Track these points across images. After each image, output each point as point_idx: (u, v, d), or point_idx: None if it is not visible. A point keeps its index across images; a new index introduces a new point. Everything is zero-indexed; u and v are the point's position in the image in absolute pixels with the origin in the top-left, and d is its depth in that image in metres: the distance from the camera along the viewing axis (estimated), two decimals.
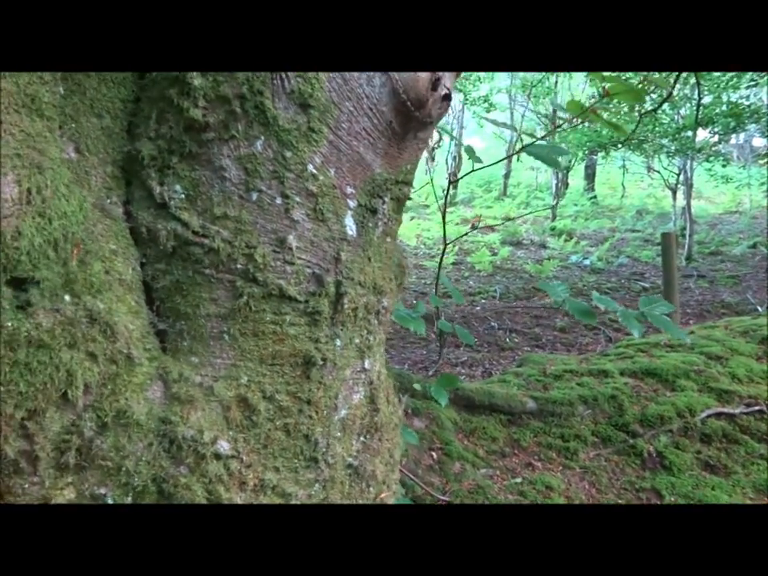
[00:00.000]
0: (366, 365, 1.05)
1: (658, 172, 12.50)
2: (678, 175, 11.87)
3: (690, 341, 1.77)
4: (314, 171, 0.90)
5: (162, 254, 0.89)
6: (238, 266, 0.87)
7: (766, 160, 17.61)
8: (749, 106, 9.49)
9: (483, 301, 8.95)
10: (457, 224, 12.74)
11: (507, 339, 7.28)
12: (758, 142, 19.15)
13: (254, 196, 0.88)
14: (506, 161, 16.70)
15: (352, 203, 0.95)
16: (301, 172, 0.89)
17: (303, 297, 0.90)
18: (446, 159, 16.26)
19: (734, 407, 3.26)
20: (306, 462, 0.93)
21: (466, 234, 2.52)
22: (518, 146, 14.14)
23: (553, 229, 13.48)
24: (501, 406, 3.21)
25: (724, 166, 11.52)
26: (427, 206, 15.12)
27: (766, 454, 3.04)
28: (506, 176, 17.09)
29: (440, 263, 1.96)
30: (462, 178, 2.01)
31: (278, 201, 0.88)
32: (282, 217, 0.89)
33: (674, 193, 12.24)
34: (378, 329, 1.07)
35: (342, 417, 1.00)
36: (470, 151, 1.30)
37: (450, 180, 1.65)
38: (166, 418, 0.82)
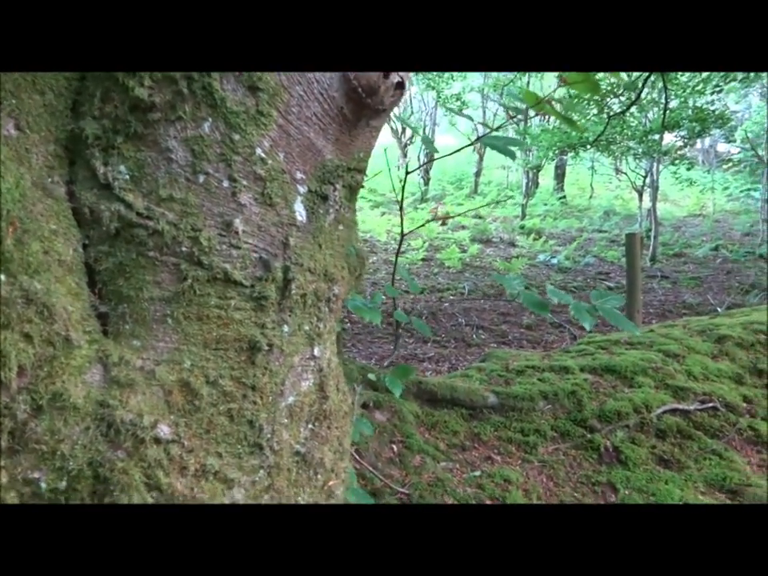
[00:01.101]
0: (316, 352, 1.05)
1: (626, 174, 12.73)
2: (645, 177, 12.10)
3: (640, 332, 1.82)
4: (263, 155, 0.89)
5: (105, 236, 0.87)
6: (183, 248, 0.86)
7: (729, 165, 18.07)
8: (713, 111, 9.74)
9: (452, 297, 9.01)
10: (427, 220, 12.78)
11: (474, 336, 7.34)
12: (723, 147, 19.65)
13: (201, 178, 0.87)
14: (477, 160, 16.81)
15: (302, 189, 0.95)
16: (249, 155, 0.88)
17: (249, 281, 0.90)
18: (418, 156, 16.29)
19: (689, 404, 3.34)
20: (250, 447, 0.92)
21: (423, 224, 2.53)
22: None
23: (522, 227, 13.63)
24: (463, 400, 3.23)
25: (689, 169, 11.79)
26: (399, 202, 15.12)
27: (718, 450, 3.12)
28: (477, 174, 17.21)
29: (397, 253, 1.97)
30: (418, 168, 2.01)
31: (225, 184, 0.87)
32: (229, 200, 0.88)
33: (641, 195, 12.48)
34: (328, 316, 1.07)
35: (290, 403, 0.99)
36: (427, 141, 1.30)
37: (407, 171, 1.65)
38: (104, 401, 0.81)
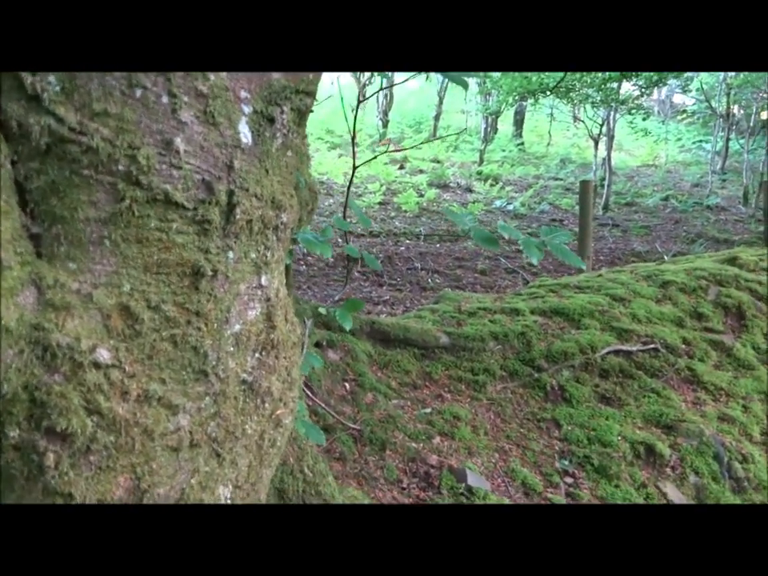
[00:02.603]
0: (263, 281, 1.03)
1: (583, 122, 12.77)
2: (601, 126, 12.17)
3: (586, 269, 1.88)
4: None
5: (35, 152, 0.82)
6: (120, 167, 0.82)
7: (683, 116, 18.31)
8: None
9: (408, 241, 9.02)
10: (385, 163, 12.64)
11: (429, 280, 7.40)
12: (679, 98, 19.86)
13: (138, 93, 0.82)
14: (437, 103, 16.56)
15: (247, 109, 0.91)
16: None
17: (191, 204, 0.86)
18: (377, 97, 15.96)
19: (632, 345, 3.47)
20: (195, 374, 0.91)
21: (375, 157, 2.49)
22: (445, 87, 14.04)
23: (480, 173, 13.62)
24: (415, 340, 3.28)
25: (644, 119, 11.91)
26: (358, 144, 14.87)
27: (657, 388, 3.27)
28: (436, 118, 16.99)
29: (348, 187, 1.94)
30: (366, 99, 1.96)
31: (165, 99, 0.83)
32: (169, 117, 0.83)
33: (597, 143, 12.57)
34: (276, 245, 1.05)
35: (236, 332, 0.98)
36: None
37: (359, 100, 1.61)
38: (39, 324, 0.78)
